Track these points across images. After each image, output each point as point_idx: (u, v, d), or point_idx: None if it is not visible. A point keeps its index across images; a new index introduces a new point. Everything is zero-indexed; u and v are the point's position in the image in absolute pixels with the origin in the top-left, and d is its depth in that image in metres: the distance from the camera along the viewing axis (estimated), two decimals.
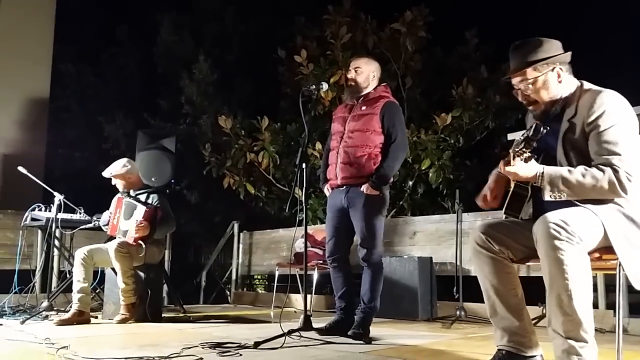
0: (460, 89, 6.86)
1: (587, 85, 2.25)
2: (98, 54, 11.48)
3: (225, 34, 10.33)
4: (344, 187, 3.50)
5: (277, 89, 8.57)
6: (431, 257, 5.13)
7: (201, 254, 10.40)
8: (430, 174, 6.76)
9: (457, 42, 7.88)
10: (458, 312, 4.58)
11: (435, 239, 5.50)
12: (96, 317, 4.52)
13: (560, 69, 2.24)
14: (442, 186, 6.90)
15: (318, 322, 3.48)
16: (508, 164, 2.12)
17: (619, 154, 2.05)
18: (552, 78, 2.23)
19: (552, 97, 2.24)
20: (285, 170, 7.61)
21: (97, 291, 5.06)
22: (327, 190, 3.65)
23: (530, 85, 2.24)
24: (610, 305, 4.28)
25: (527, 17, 9.59)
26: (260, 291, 9.67)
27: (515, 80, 2.29)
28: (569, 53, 2.27)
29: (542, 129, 2.02)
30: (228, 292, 7.48)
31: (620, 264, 2.02)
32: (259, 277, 10.10)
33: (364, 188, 3.42)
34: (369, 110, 3.51)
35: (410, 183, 7.13)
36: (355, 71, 3.59)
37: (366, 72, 3.59)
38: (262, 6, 10.33)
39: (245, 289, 8.24)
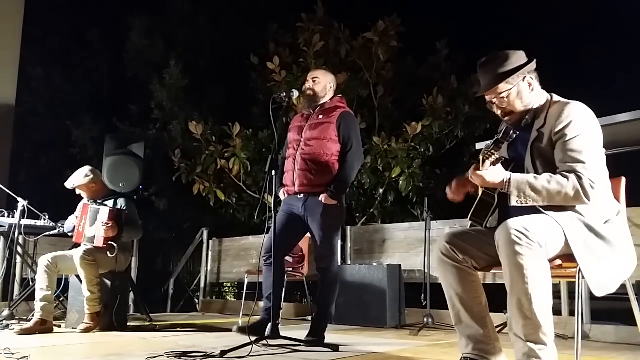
0: (431, 99, 6.96)
1: (556, 97, 2.32)
2: (68, 57, 11.27)
3: (198, 39, 10.28)
4: (302, 195, 3.52)
5: (250, 95, 8.56)
6: (400, 265, 5.16)
7: (170, 261, 10.27)
8: (401, 182, 6.82)
9: (428, 52, 8.01)
10: (426, 319, 4.62)
11: (404, 246, 5.54)
12: (59, 326, 4.42)
13: (531, 77, 2.30)
14: (412, 194, 6.96)
15: (287, 330, 3.47)
16: (478, 168, 2.16)
17: (583, 162, 2.11)
18: (524, 87, 2.29)
19: (526, 105, 2.29)
20: (256, 177, 7.59)
21: (60, 299, 4.94)
22: (282, 194, 3.65)
23: (505, 99, 2.28)
24: (573, 312, 4.37)
25: (496, 28, 9.79)
26: (230, 299, 9.59)
27: (489, 96, 2.33)
28: (535, 61, 2.32)
29: (511, 132, 2.08)
30: (196, 300, 7.39)
31: (580, 271, 2.07)
32: (229, 284, 10.02)
33: (322, 198, 3.45)
34: (325, 119, 3.57)
35: (381, 191, 7.18)
36: (314, 81, 3.66)
37: (324, 83, 3.66)
38: (235, 12, 10.32)
39: (214, 297, 8.15)
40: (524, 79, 2.29)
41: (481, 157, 2.14)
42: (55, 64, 11.05)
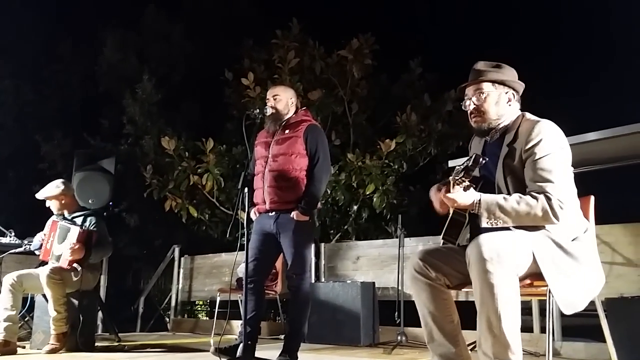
0: (404, 116, 7.01)
1: (528, 115, 2.36)
2: (38, 70, 11.07)
3: (171, 54, 10.21)
4: (274, 212, 3.47)
5: (224, 111, 8.51)
6: (374, 282, 5.14)
7: (140, 279, 10.08)
8: (375, 199, 6.83)
9: (402, 71, 8.09)
10: (399, 337, 4.60)
11: (378, 263, 5.54)
12: (24, 347, 4.28)
13: (513, 95, 2.38)
14: (386, 211, 6.98)
15: (260, 350, 3.41)
16: (448, 191, 2.17)
17: (552, 182, 2.14)
18: (504, 99, 2.35)
19: (498, 115, 2.34)
20: (229, 193, 7.51)
21: (26, 319, 4.79)
22: (253, 214, 3.59)
23: (482, 96, 2.34)
24: (545, 329, 4.39)
25: (470, 48, 9.96)
26: (202, 317, 9.44)
27: (470, 90, 2.39)
28: (523, 85, 2.40)
29: (480, 159, 2.10)
30: (167, 319, 7.25)
31: (550, 291, 2.08)
32: (201, 303, 9.87)
33: (293, 215, 3.40)
34: (292, 133, 3.53)
35: (355, 207, 7.18)
36: (274, 99, 3.60)
37: (285, 99, 3.61)
38: (210, 27, 10.29)
39: (186, 316, 8.01)
40: (507, 92, 2.36)
41: (451, 181, 2.16)
42: (26, 77, 10.82)
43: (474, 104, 2.36)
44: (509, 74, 2.39)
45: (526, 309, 4.78)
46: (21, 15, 10.31)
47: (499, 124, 2.35)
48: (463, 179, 2.13)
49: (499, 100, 2.34)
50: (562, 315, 4.29)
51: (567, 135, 2.31)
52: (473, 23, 10.66)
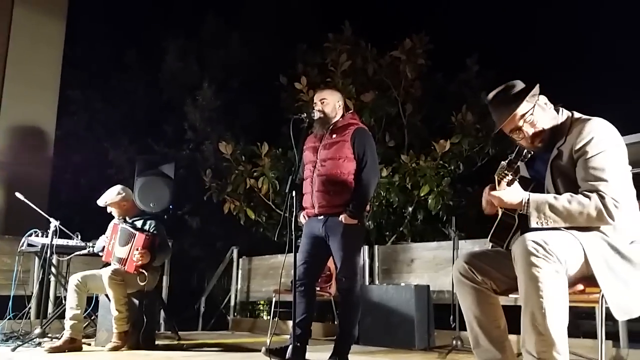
0: (460, 116, 6.86)
1: (577, 114, 2.26)
2: (106, 79, 11.63)
3: (230, 60, 10.47)
4: (322, 216, 3.50)
5: (280, 114, 8.63)
6: (428, 285, 5.06)
7: (204, 279, 10.38)
8: (430, 201, 6.72)
9: (458, 69, 7.93)
10: (454, 342, 4.51)
11: (432, 266, 5.45)
12: (89, 345, 4.49)
13: (538, 98, 2.26)
14: (442, 212, 6.85)
15: (313, 352, 3.44)
16: (493, 188, 2.12)
17: (606, 180, 2.04)
18: (543, 105, 2.26)
19: (551, 123, 2.23)
20: (285, 196, 7.58)
21: (92, 317, 5.03)
22: (303, 218, 3.64)
23: (530, 116, 2.21)
24: (610, 336, 4.19)
25: (527, 43, 9.62)
26: (264, 317, 9.60)
27: (511, 125, 2.24)
28: (537, 85, 2.26)
29: (525, 151, 2.03)
30: (229, 318, 7.43)
31: (603, 296, 1.98)
32: (263, 302, 10.05)
33: (342, 218, 3.42)
34: (339, 137, 3.54)
35: (410, 209, 7.09)
36: (322, 102, 3.62)
37: (332, 103, 3.62)
38: (266, 32, 10.49)
39: (248, 315, 8.16)
40: (537, 100, 2.25)
41: (496, 178, 2.10)
42: (94, 86, 11.39)
43: (530, 129, 2.22)
44: (520, 84, 2.27)
45: (590, 314, 4.58)
46: (91, 27, 10.86)
47: (549, 129, 2.24)
48: (506, 172, 2.07)
49: (543, 108, 2.24)
50: (629, 320, 4.07)
51: (627, 133, 2.20)
52: (531, 19, 10.28)
